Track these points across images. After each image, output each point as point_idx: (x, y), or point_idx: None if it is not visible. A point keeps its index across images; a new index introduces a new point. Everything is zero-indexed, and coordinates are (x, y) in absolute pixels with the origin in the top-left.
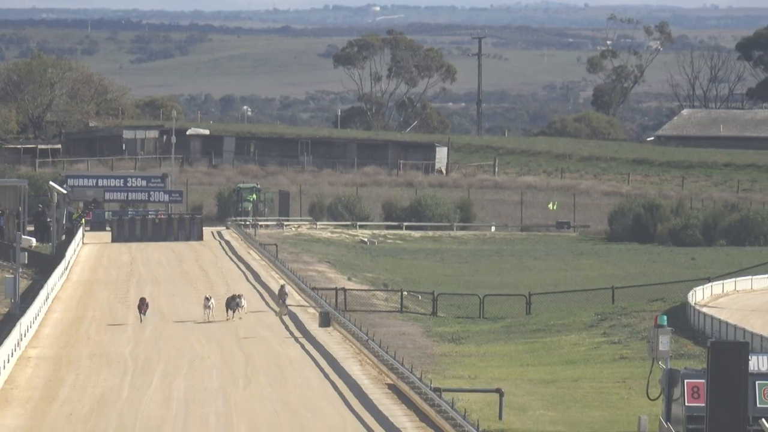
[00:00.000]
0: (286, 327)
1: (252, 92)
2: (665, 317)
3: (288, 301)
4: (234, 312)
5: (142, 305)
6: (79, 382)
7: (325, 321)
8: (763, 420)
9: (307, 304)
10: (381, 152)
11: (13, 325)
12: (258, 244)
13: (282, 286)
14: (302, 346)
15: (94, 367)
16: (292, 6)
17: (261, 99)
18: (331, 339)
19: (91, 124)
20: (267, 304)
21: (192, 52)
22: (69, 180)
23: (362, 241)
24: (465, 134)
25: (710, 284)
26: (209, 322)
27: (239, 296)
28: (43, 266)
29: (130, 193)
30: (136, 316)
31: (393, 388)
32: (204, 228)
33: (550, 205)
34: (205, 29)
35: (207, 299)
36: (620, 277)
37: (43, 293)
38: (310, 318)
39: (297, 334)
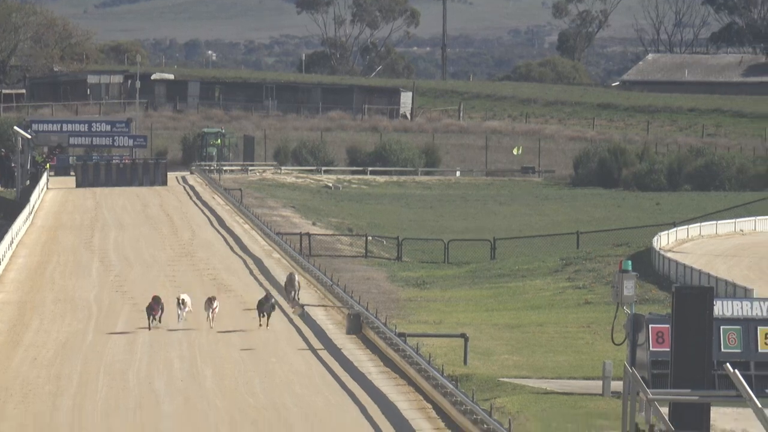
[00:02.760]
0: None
1: (216, 37)
2: (630, 262)
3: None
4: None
5: (156, 306)
6: (43, 326)
7: (355, 326)
8: (728, 364)
9: (328, 303)
10: (346, 97)
11: None
12: (222, 189)
13: (291, 275)
14: (266, 292)
15: (59, 312)
16: None
17: (225, 44)
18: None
19: (55, 69)
20: (231, 249)
21: None
22: (33, 125)
23: (327, 186)
24: (430, 79)
25: (675, 229)
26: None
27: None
28: (8, 211)
29: (94, 138)
30: (115, 288)
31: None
32: (168, 173)
33: (515, 150)
34: None
35: (181, 303)
36: (585, 222)
37: (7, 238)
38: (277, 264)
39: (264, 282)
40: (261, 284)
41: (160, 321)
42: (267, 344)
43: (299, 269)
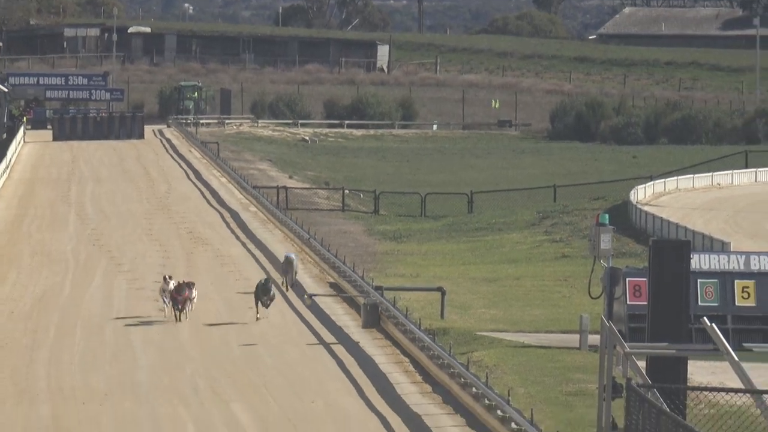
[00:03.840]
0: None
1: None
2: (607, 216)
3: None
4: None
5: (180, 296)
6: (20, 280)
7: (372, 318)
8: (705, 318)
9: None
10: (322, 50)
11: None
12: (199, 143)
13: (288, 257)
14: (243, 245)
15: (36, 266)
16: None
17: None
18: (273, 238)
19: (32, 22)
20: (207, 202)
21: None
22: (10, 78)
23: (304, 140)
24: (406, 32)
25: (652, 182)
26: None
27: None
28: None
29: (71, 92)
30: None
31: (334, 286)
32: (145, 126)
33: (492, 104)
34: None
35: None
36: (562, 176)
37: None
38: (254, 218)
39: (240, 236)
40: (238, 238)
41: (185, 313)
42: (243, 297)
43: (277, 223)
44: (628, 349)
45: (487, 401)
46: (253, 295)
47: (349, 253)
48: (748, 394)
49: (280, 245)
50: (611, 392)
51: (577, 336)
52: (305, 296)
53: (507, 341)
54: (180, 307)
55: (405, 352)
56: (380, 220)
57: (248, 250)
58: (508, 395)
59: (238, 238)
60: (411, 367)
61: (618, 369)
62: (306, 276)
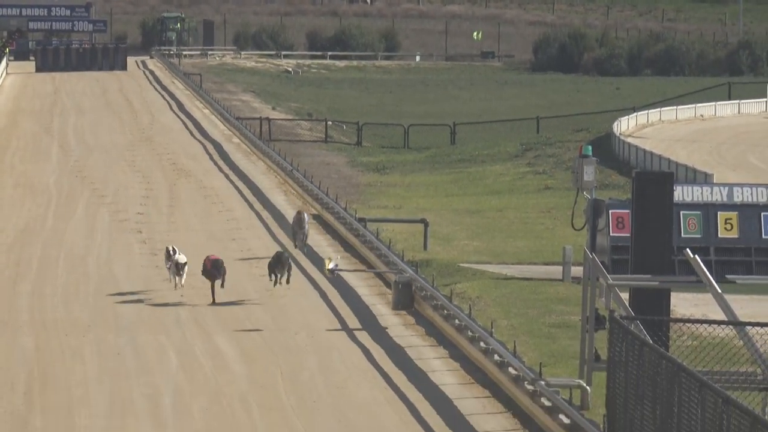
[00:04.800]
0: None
1: None
2: (590, 147)
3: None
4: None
5: (216, 271)
6: (3, 212)
7: (405, 298)
8: (688, 250)
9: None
10: None
11: None
12: (182, 74)
13: (299, 214)
14: (226, 176)
15: (18, 197)
16: None
17: None
18: (256, 169)
19: None
20: (191, 134)
21: None
22: None
23: (287, 71)
24: None
25: (635, 114)
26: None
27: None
28: None
29: (54, 23)
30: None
31: (317, 218)
32: (128, 58)
33: (475, 35)
34: None
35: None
36: (545, 107)
37: None
38: (233, 147)
39: (223, 167)
40: (220, 169)
41: (221, 284)
42: (227, 230)
43: (260, 154)
44: (611, 281)
45: (470, 333)
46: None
47: (332, 184)
48: (730, 326)
49: (263, 177)
50: (594, 324)
51: (560, 268)
52: (327, 270)
53: (490, 273)
54: (216, 278)
55: (388, 284)
56: (363, 152)
57: (231, 182)
58: (491, 327)
59: (221, 169)
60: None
61: (601, 301)
62: (289, 208)
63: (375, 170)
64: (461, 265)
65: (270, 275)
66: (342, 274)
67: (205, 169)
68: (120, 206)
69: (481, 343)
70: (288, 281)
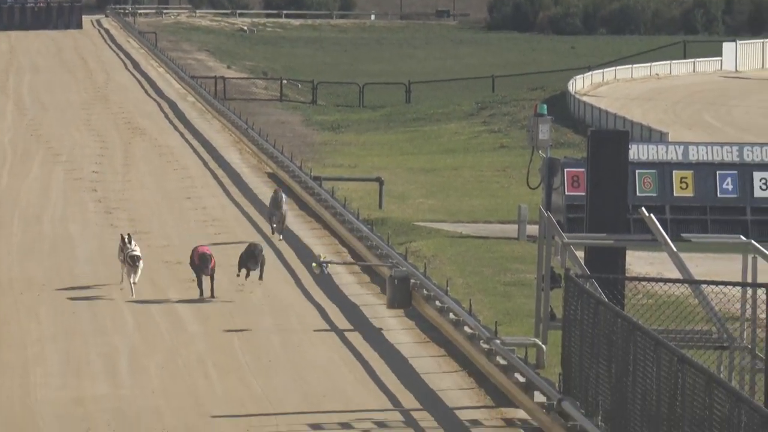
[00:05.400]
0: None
1: None
2: (545, 106)
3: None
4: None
5: (204, 266)
6: None
7: (402, 296)
8: (643, 208)
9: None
10: None
11: None
12: (137, 33)
13: (276, 194)
14: (181, 135)
15: None
16: None
17: None
18: (211, 127)
19: None
20: (146, 92)
21: None
22: None
23: (242, 30)
24: None
25: (590, 73)
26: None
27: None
28: None
29: None
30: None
31: (273, 176)
32: (83, 17)
33: None
34: None
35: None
36: (500, 66)
37: None
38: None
39: (178, 126)
40: (175, 128)
41: (212, 292)
42: (182, 188)
43: (215, 113)
44: (566, 240)
45: (425, 292)
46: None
47: (287, 143)
48: (685, 285)
49: (218, 135)
50: (550, 282)
51: (516, 226)
52: (314, 264)
53: (445, 231)
54: (205, 271)
55: (343, 242)
56: (318, 111)
57: (186, 141)
58: (447, 286)
59: (176, 128)
60: (350, 258)
61: (556, 259)
62: (243, 166)
63: (330, 129)
64: (416, 223)
65: (240, 269)
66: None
67: (160, 128)
68: (75, 165)
69: (437, 302)
70: (260, 277)
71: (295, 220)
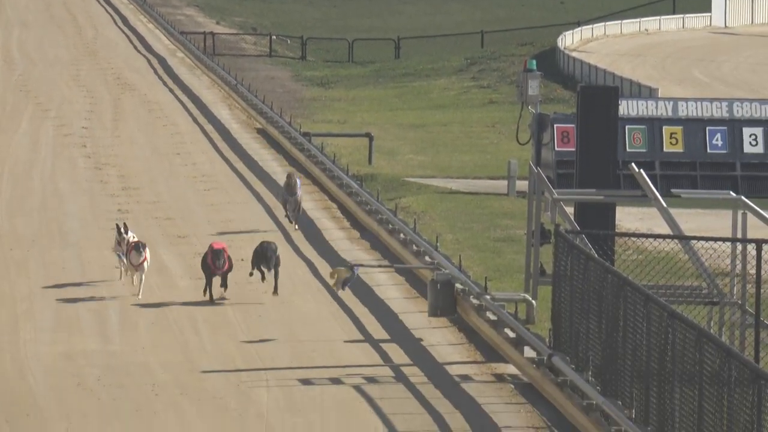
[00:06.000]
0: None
1: None
2: (534, 61)
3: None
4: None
5: (218, 261)
6: None
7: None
8: (633, 164)
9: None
10: None
11: None
12: None
13: (290, 177)
14: (171, 91)
15: None
16: None
17: None
18: (200, 83)
19: None
20: (135, 48)
21: None
22: None
23: None
24: None
25: (580, 28)
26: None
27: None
28: None
29: None
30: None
31: (262, 132)
32: None
33: None
34: None
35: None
36: (489, 22)
37: None
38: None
39: (168, 81)
40: (165, 83)
41: (225, 286)
42: (171, 143)
43: (204, 68)
44: (556, 195)
45: (415, 247)
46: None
47: (277, 99)
48: (675, 240)
49: (208, 91)
50: (539, 238)
51: (505, 182)
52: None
53: (435, 187)
54: (218, 274)
55: (333, 198)
56: (307, 66)
57: (175, 96)
58: (436, 241)
59: (165, 84)
60: (339, 213)
61: (546, 215)
62: (233, 122)
63: (319, 85)
64: (406, 179)
65: (253, 269)
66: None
67: (149, 84)
68: (64, 121)
69: (426, 258)
70: (275, 290)
71: (283, 175)
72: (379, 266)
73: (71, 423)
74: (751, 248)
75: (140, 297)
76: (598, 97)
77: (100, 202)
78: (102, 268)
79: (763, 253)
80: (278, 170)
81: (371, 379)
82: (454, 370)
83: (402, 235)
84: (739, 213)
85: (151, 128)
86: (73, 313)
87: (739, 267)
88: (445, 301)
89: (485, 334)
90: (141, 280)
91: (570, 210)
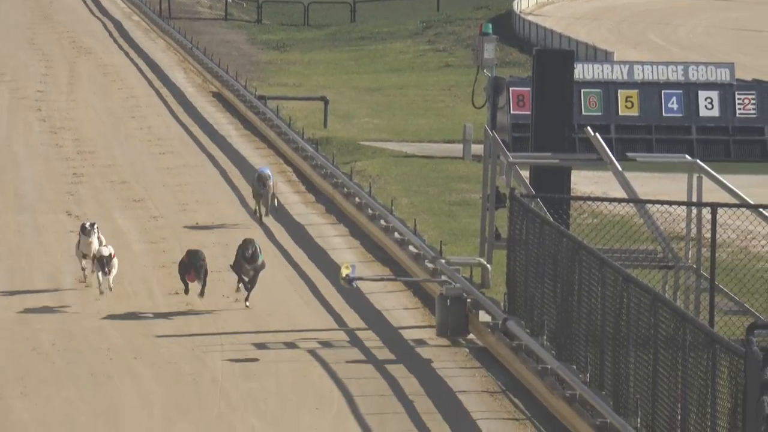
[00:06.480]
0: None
1: None
2: (490, 25)
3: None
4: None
5: (195, 267)
6: None
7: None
8: (588, 128)
9: None
10: None
11: None
12: None
13: (262, 173)
14: (126, 54)
15: None
16: None
17: None
18: (156, 47)
19: None
20: (90, 12)
21: None
22: None
23: None
24: None
25: None
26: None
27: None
28: None
29: None
30: None
31: (217, 96)
32: None
33: None
34: None
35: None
36: None
37: None
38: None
39: (123, 45)
40: (120, 47)
41: (202, 293)
42: (126, 108)
43: (159, 32)
44: (511, 159)
45: (370, 211)
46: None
47: (232, 62)
48: (631, 204)
49: (163, 54)
50: (495, 202)
51: (461, 146)
52: (342, 278)
53: (390, 151)
54: (190, 281)
55: (288, 162)
56: (263, 30)
57: (131, 60)
58: (392, 205)
59: (120, 47)
60: (294, 177)
61: (501, 179)
62: (188, 85)
63: (275, 48)
64: (361, 143)
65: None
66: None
67: (104, 48)
68: (20, 84)
69: (382, 221)
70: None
71: (239, 140)
72: (382, 279)
73: (26, 387)
74: (706, 212)
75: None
76: (553, 61)
77: (55, 165)
78: (57, 233)
79: (718, 216)
80: (233, 134)
81: (326, 344)
82: (409, 335)
83: (357, 199)
84: (695, 177)
85: (107, 92)
86: (27, 277)
87: (694, 231)
88: (456, 319)
89: None
90: (102, 283)
91: (525, 174)
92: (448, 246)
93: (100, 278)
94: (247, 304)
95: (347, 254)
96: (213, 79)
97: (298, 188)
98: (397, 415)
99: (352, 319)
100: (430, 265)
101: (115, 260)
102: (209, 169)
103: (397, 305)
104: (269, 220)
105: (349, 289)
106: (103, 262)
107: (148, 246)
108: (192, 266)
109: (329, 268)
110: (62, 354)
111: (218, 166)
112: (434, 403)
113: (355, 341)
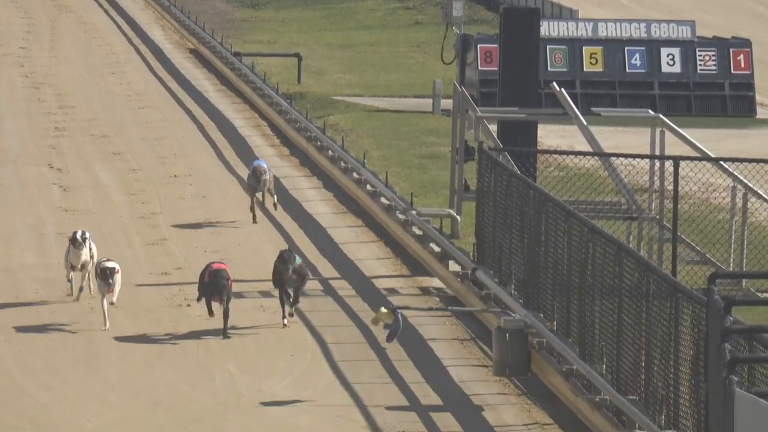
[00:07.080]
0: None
1: None
2: None
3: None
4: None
5: (217, 289)
6: None
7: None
8: (554, 83)
9: None
10: None
11: None
12: None
13: (257, 166)
14: (106, 12)
15: None
16: None
17: None
18: (135, 5)
19: None
20: None
21: None
22: None
23: None
24: None
25: None
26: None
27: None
28: None
29: None
30: None
31: (194, 52)
32: None
33: None
34: None
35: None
36: None
37: None
38: None
39: (103, 3)
40: (99, 5)
41: (225, 323)
42: (107, 63)
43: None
44: (480, 113)
45: (343, 164)
46: None
47: (209, 20)
48: (595, 157)
49: (141, 12)
50: (464, 155)
51: (430, 100)
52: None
53: (362, 105)
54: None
55: (263, 116)
56: None
57: (110, 17)
58: (364, 158)
59: (100, 5)
60: (269, 131)
61: (470, 133)
62: (166, 42)
63: (250, 6)
64: (334, 98)
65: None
66: None
67: (84, 5)
68: (2, 41)
69: (354, 174)
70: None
71: (216, 95)
72: (429, 309)
73: (9, 335)
74: (669, 165)
75: (107, 328)
76: (520, 19)
77: (37, 120)
78: (39, 186)
79: (680, 169)
80: (210, 89)
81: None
82: (381, 284)
83: (330, 152)
84: (657, 131)
85: (87, 49)
86: (11, 228)
87: (657, 183)
88: (516, 356)
89: (411, 249)
90: (105, 307)
91: (493, 128)
92: (418, 198)
93: (105, 306)
94: (285, 322)
95: (321, 206)
96: (190, 36)
97: (273, 142)
98: (369, 362)
99: (326, 268)
100: (401, 216)
101: (118, 275)
102: (187, 124)
103: (369, 255)
104: (245, 173)
105: (332, 250)
106: (107, 274)
107: (127, 197)
108: (216, 290)
109: (304, 219)
110: (45, 304)
111: (196, 121)
112: (406, 351)
113: (328, 290)
